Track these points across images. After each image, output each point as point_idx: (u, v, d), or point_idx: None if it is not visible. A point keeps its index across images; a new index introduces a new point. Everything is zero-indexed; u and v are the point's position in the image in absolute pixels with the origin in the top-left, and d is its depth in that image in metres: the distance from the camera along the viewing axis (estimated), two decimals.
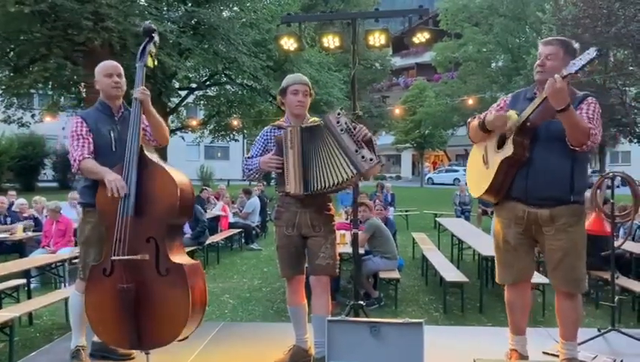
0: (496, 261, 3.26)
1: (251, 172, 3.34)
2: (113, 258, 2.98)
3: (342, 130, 3.04)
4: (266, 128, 3.42)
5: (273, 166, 3.18)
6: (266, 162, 3.21)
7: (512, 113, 2.99)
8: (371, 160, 2.99)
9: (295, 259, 3.31)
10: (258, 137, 3.41)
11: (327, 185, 3.06)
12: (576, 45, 3.04)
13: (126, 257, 2.96)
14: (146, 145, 3.24)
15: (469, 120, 3.35)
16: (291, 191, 3.13)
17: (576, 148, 2.86)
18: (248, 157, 3.38)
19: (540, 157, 2.94)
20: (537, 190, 2.96)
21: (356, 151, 3.01)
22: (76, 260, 3.52)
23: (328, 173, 3.05)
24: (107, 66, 3.38)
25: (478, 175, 3.23)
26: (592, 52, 2.74)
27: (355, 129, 3.06)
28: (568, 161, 2.94)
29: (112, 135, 3.29)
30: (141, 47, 3.37)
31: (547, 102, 2.78)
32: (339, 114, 3.08)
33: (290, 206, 3.26)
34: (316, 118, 3.39)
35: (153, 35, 3.38)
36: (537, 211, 2.98)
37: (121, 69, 3.41)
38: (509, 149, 2.94)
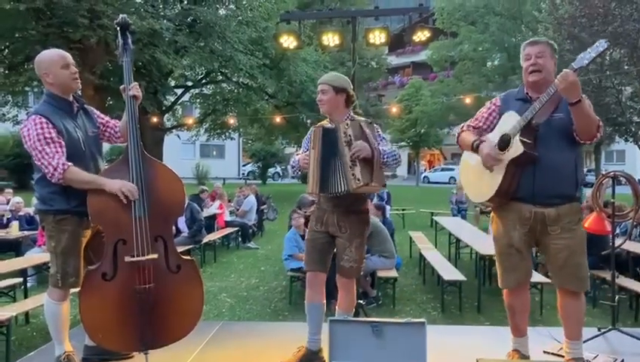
0: (498, 265, 3.17)
1: (294, 169, 3.39)
2: (133, 259, 2.92)
3: (345, 141, 3.03)
4: (312, 128, 3.40)
5: (305, 164, 3.19)
6: (301, 159, 3.26)
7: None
8: (359, 180, 2.95)
9: (318, 254, 3.28)
10: (305, 137, 3.40)
11: (337, 190, 3.05)
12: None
13: (145, 257, 2.93)
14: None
15: (459, 130, 3.31)
16: (309, 191, 3.17)
17: (587, 142, 2.92)
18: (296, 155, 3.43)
19: (545, 155, 2.91)
20: (546, 188, 2.93)
21: (350, 167, 3.00)
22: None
23: (337, 179, 3.05)
24: (62, 56, 3.06)
25: (479, 180, 3.14)
26: (602, 44, 2.77)
27: (352, 144, 3.00)
28: (572, 157, 2.98)
29: (78, 134, 3.06)
30: (122, 43, 3.18)
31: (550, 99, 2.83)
32: (347, 125, 3.04)
33: (322, 204, 3.29)
34: (362, 118, 3.32)
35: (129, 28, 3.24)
36: (545, 211, 2.95)
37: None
38: (518, 148, 2.90)
